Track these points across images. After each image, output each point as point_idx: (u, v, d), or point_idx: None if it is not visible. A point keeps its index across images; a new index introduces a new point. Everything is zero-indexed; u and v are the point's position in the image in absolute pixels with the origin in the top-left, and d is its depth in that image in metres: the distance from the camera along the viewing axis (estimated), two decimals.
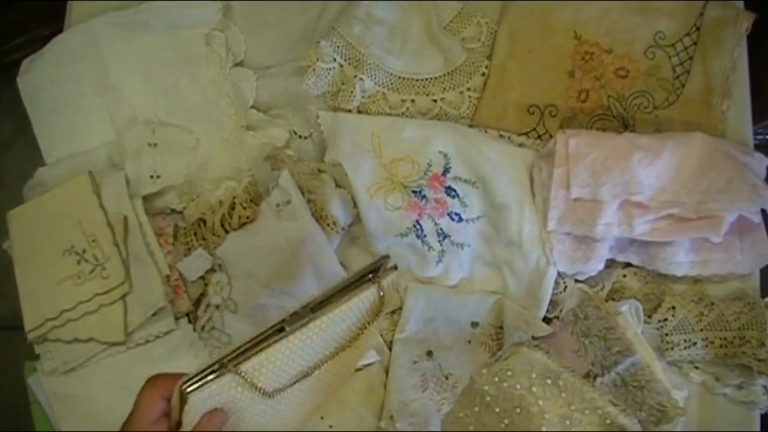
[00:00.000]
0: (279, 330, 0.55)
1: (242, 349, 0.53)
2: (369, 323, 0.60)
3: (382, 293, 0.59)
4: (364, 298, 0.58)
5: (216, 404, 0.53)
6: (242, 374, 0.52)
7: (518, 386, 0.60)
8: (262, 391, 0.54)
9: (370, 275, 0.59)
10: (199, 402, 0.51)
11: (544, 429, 0.57)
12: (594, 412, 0.58)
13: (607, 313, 0.76)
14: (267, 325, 0.56)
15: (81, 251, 0.79)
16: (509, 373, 0.60)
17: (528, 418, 0.58)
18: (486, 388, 0.61)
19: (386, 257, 0.60)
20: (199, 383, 0.51)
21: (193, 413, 0.52)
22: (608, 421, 0.58)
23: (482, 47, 0.88)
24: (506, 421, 0.59)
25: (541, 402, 0.59)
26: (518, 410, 0.60)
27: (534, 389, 0.59)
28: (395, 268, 0.61)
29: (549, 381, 0.60)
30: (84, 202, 0.81)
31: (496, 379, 0.60)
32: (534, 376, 0.60)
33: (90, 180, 0.82)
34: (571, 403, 0.58)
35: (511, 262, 0.79)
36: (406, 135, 0.82)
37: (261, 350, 0.53)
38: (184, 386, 0.51)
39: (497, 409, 0.60)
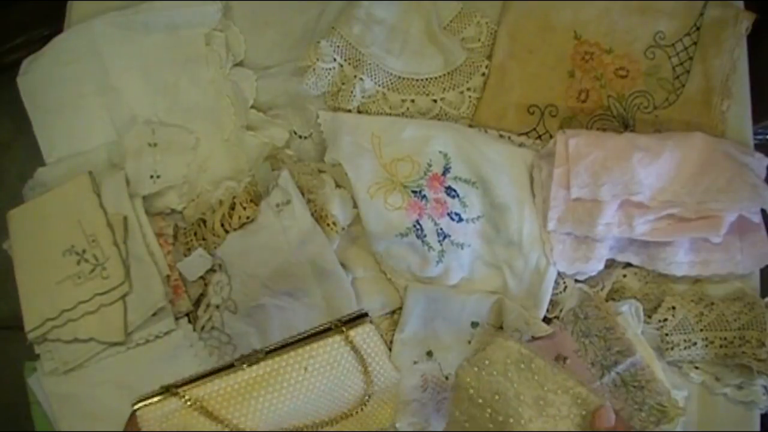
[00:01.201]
0: (230, 366, 0.56)
1: (192, 378, 0.55)
2: (364, 389, 0.59)
3: (351, 345, 0.58)
4: (326, 347, 0.57)
5: (171, 429, 0.54)
6: (187, 398, 0.54)
7: (495, 372, 0.64)
8: (218, 420, 0.55)
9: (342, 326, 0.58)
10: (152, 425, 0.53)
11: (521, 410, 0.61)
12: (566, 392, 0.62)
13: (607, 313, 0.76)
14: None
15: (81, 251, 0.79)
16: (486, 362, 0.64)
17: (506, 402, 0.62)
18: (468, 380, 0.63)
19: (363, 312, 0.59)
20: (147, 402, 0.53)
21: None
22: (579, 400, 0.62)
23: (482, 47, 0.88)
24: (489, 411, 0.63)
25: (516, 385, 0.63)
26: (497, 396, 0.64)
27: (509, 374, 0.64)
28: (369, 321, 0.60)
29: (522, 366, 0.64)
30: (84, 202, 0.81)
31: (476, 369, 0.64)
32: (509, 362, 0.64)
33: (90, 180, 0.82)
34: (544, 385, 0.63)
35: (511, 262, 0.79)
36: (406, 135, 0.82)
37: (208, 380, 0.55)
38: (134, 405, 0.53)
39: (480, 400, 0.63)
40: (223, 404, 0.55)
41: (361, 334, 0.59)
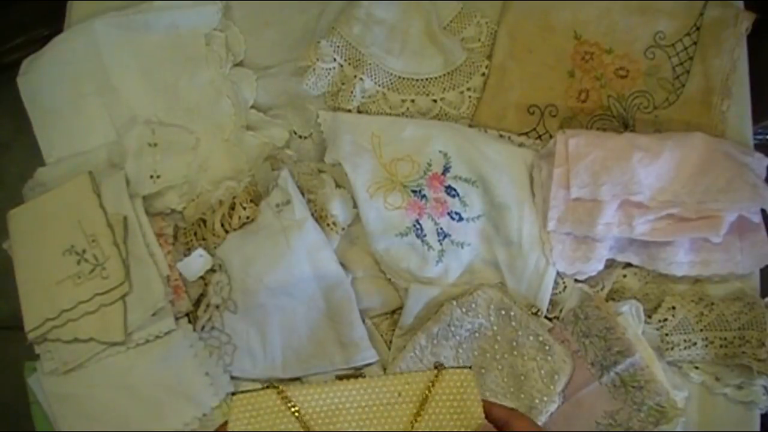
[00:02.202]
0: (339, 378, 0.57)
1: (297, 382, 0.56)
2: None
3: (437, 374, 0.57)
4: (423, 376, 0.57)
5: (258, 423, 0.56)
6: (285, 395, 0.56)
7: (479, 316, 0.75)
8: (303, 422, 0.56)
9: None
10: (243, 416, 0.55)
11: (496, 347, 0.75)
12: (536, 339, 0.75)
13: (607, 313, 0.76)
14: None
15: (81, 251, 0.79)
16: (473, 305, 0.76)
17: (484, 341, 0.76)
18: (451, 318, 0.75)
19: (467, 366, 0.59)
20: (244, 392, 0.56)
21: (233, 422, 0.56)
22: (547, 347, 0.74)
23: (482, 47, 0.88)
24: (464, 345, 0.76)
25: (495, 328, 0.76)
26: (477, 334, 0.75)
27: (491, 318, 0.76)
28: (468, 368, 0.59)
29: (503, 312, 0.76)
30: (84, 202, 0.81)
31: (462, 311, 0.75)
32: (492, 308, 0.76)
33: (90, 180, 0.82)
34: (518, 330, 0.75)
35: (511, 262, 0.79)
36: (406, 135, 0.82)
37: (307, 382, 0.56)
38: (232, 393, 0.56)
39: (457, 336, 0.75)
40: (316, 410, 0.56)
41: (452, 374, 0.58)
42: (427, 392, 0.57)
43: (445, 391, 0.57)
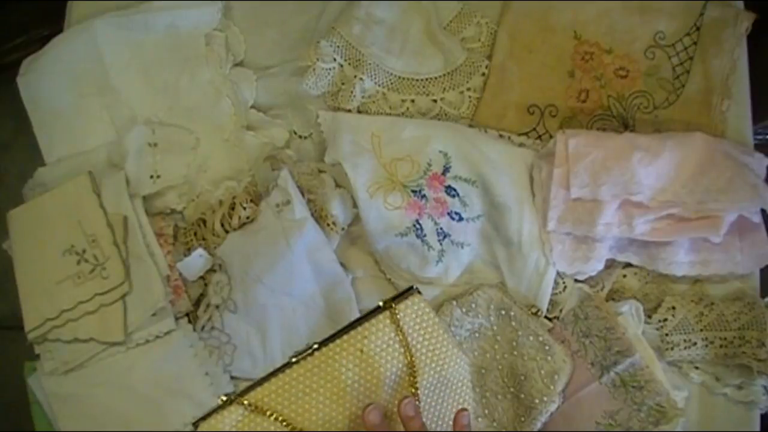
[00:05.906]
0: (287, 364, 0.56)
1: (252, 384, 0.55)
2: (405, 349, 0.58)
3: (396, 315, 0.56)
4: (379, 324, 0.56)
5: None
6: (248, 404, 0.54)
7: (479, 316, 0.75)
8: (281, 419, 0.55)
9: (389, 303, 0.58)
10: None
11: (496, 347, 0.74)
12: (536, 339, 0.74)
13: (607, 313, 0.76)
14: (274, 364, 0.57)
15: (81, 251, 0.79)
16: (473, 305, 0.75)
17: (484, 341, 0.75)
18: (449, 318, 0.74)
19: (411, 288, 0.58)
20: (208, 417, 0.55)
21: None
22: (547, 347, 0.74)
23: (482, 47, 0.88)
24: (464, 345, 0.75)
25: (495, 328, 0.75)
26: (476, 334, 0.74)
27: (491, 318, 0.75)
28: (418, 291, 0.59)
29: (503, 312, 0.75)
30: (84, 202, 0.81)
31: (462, 310, 0.75)
32: (492, 308, 0.75)
33: (90, 180, 0.82)
34: (518, 330, 0.74)
35: (511, 262, 0.79)
36: (406, 135, 0.82)
37: (265, 381, 0.55)
38: (196, 422, 0.55)
39: (457, 336, 0.74)
40: (284, 402, 0.55)
41: (403, 309, 0.57)
42: (399, 332, 0.56)
43: (412, 325, 0.56)
